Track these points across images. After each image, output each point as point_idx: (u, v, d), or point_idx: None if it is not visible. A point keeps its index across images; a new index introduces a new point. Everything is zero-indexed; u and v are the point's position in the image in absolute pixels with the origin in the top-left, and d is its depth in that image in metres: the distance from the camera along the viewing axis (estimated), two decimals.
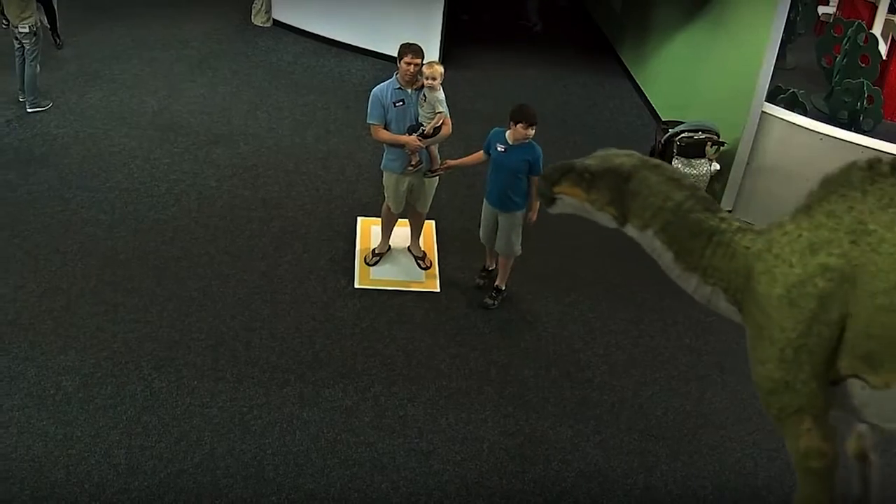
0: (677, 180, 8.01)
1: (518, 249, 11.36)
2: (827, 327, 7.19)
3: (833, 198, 7.34)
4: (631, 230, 8.18)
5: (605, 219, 8.25)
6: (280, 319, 11.13)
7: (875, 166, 7.25)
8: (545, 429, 9.97)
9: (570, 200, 8.35)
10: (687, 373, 10.72)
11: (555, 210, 8.54)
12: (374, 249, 12.22)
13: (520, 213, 11.10)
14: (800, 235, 7.38)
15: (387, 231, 12.14)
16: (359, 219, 12.94)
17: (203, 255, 12.07)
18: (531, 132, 10.69)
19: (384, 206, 11.85)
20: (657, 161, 8.23)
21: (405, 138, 11.08)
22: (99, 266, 11.74)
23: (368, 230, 12.67)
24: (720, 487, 9.40)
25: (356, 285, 11.78)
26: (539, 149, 10.79)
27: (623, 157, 8.14)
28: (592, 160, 8.21)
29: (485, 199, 11.38)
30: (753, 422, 10.14)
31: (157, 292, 11.38)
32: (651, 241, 8.08)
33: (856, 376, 7.25)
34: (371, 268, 12.06)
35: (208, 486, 9.01)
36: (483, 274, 11.95)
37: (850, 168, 7.37)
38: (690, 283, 8.05)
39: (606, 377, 10.63)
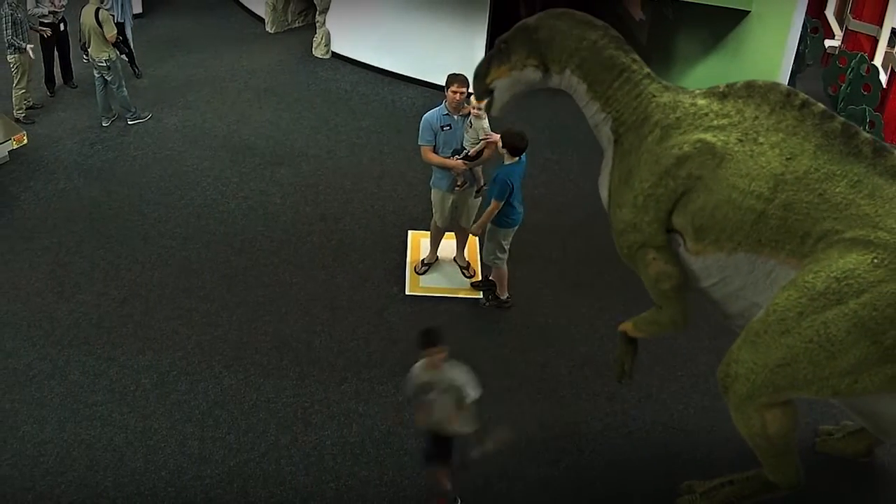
0: (589, 22, 8.31)
1: (494, 261, 11.29)
2: (674, 180, 7.71)
3: (748, 101, 7.70)
4: (554, 78, 8.50)
5: (531, 73, 8.55)
6: (338, 323, 11.12)
7: (791, 96, 7.59)
8: (578, 422, 9.91)
9: (501, 82, 8.69)
10: (706, 371, 10.59)
11: (495, 108, 8.92)
12: (423, 260, 12.20)
13: (492, 228, 11.01)
14: (706, 114, 7.74)
15: (435, 244, 12.11)
16: (409, 232, 12.92)
17: (269, 265, 12.09)
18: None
19: (433, 222, 11.83)
20: (563, 10, 8.43)
21: (451, 162, 11.07)
22: (174, 275, 11.80)
23: (418, 242, 12.64)
24: None
25: (407, 292, 11.76)
26: (500, 175, 10.63)
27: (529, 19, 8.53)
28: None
29: None
30: None
31: (227, 299, 11.42)
32: (569, 80, 8.45)
33: (679, 234, 7.89)
34: (420, 276, 12.04)
35: (273, 473, 9.02)
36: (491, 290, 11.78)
37: (773, 87, 7.71)
38: (592, 110, 8.45)
39: (633, 375, 10.54)
